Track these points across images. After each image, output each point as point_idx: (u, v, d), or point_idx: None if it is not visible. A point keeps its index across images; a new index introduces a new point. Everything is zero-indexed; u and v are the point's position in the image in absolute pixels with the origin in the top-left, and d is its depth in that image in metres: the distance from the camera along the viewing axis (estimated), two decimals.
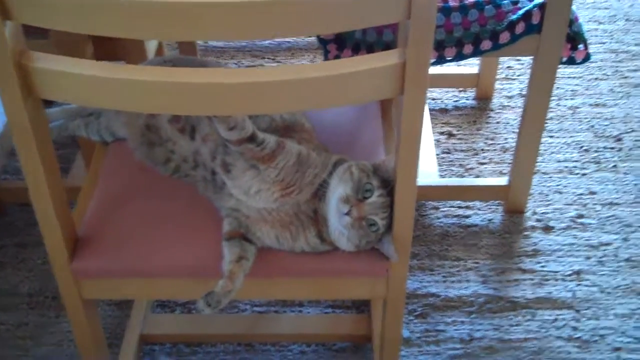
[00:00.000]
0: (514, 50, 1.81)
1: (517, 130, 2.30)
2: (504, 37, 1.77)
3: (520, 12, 1.75)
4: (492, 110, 2.43)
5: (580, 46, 1.84)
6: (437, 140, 2.31)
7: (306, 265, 1.28)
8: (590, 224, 2.07)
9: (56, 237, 1.22)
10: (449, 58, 1.80)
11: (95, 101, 1.06)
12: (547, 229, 2.06)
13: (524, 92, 2.48)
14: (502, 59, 2.52)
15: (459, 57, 1.81)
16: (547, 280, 1.93)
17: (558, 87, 2.48)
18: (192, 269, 1.28)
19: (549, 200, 2.14)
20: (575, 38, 1.83)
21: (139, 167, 1.39)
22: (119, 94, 1.03)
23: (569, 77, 2.55)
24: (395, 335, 1.38)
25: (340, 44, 1.76)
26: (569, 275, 1.94)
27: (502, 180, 2.07)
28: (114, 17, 0.95)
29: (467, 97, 2.47)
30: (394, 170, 1.23)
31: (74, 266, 1.27)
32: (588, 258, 1.98)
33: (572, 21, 1.80)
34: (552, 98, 2.05)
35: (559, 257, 1.99)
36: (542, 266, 1.96)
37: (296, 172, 1.25)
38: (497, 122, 2.38)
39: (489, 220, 2.08)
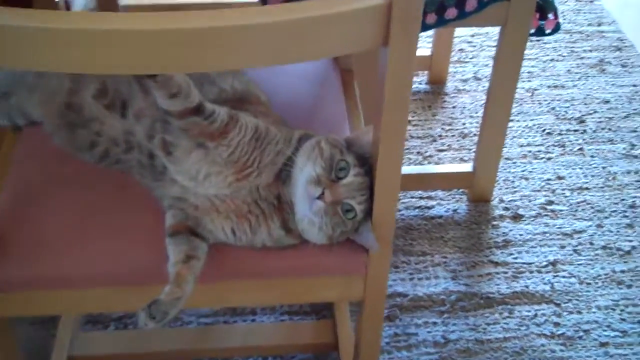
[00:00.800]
0: (480, 20, 1.64)
1: (474, 115, 2.16)
2: (471, 4, 1.59)
3: None
4: (446, 95, 2.26)
5: (550, 15, 1.68)
6: None
7: (268, 264, 1.07)
8: (561, 210, 1.91)
9: None
10: None
11: None
12: (517, 218, 1.89)
13: (478, 75, 2.33)
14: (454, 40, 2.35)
15: (422, 27, 1.62)
16: (522, 272, 1.76)
17: None
18: (129, 275, 1.05)
19: (515, 187, 1.98)
20: (544, 7, 1.67)
21: (59, 154, 1.15)
22: (24, 46, 0.79)
23: (524, 59, 2.39)
24: (374, 342, 1.17)
25: None
26: (545, 266, 1.78)
27: (467, 167, 1.90)
28: None
29: (419, 81, 2.30)
30: (372, 145, 1.03)
31: None
32: (562, 247, 1.82)
33: None
34: None
35: (531, 247, 1.82)
36: (515, 258, 1.79)
37: (253, 150, 1.03)
38: (453, 107, 2.21)
39: (454, 210, 1.91)
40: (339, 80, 1.36)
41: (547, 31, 1.72)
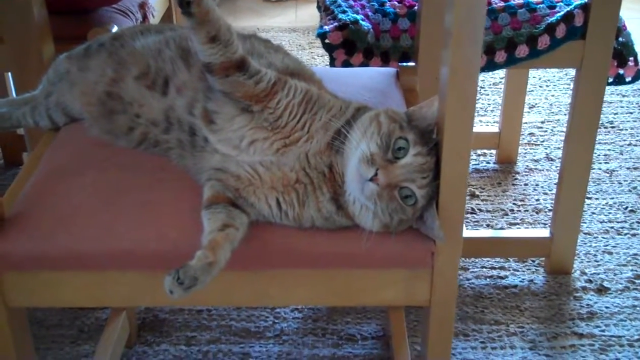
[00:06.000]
0: (554, 60, 1.54)
1: (548, 192, 2.02)
2: (543, 41, 1.50)
3: (560, 13, 1.49)
4: (517, 173, 2.12)
5: (630, 62, 1.57)
6: None
7: (318, 248, 0.92)
8: None
9: None
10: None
11: None
12: (602, 290, 1.69)
13: (551, 157, 2.19)
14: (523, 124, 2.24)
15: (491, 66, 1.53)
16: (611, 345, 1.54)
17: None
18: (157, 256, 0.92)
19: (598, 261, 1.79)
20: (622, 52, 1.56)
21: (95, 142, 1.06)
22: None
23: (599, 143, 2.26)
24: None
25: (349, 49, 1.48)
26: (637, 340, 1.56)
27: (544, 232, 1.73)
28: None
29: (487, 160, 2.18)
30: (437, 117, 0.90)
31: None
32: None
33: (619, 30, 1.53)
34: None
35: (620, 320, 1.61)
36: (602, 330, 1.58)
37: (303, 114, 0.92)
38: (525, 184, 2.07)
39: (530, 280, 1.72)
40: (401, 97, 1.26)
41: (628, 79, 1.60)
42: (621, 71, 1.58)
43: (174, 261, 0.88)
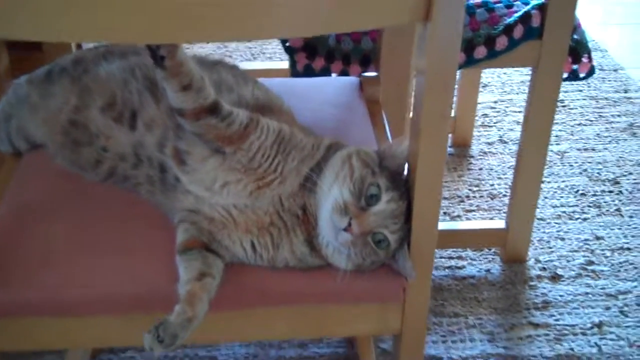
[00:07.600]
0: (511, 60, 1.55)
1: (502, 177, 2.07)
2: (501, 42, 1.51)
3: (518, 14, 1.51)
4: (472, 157, 2.16)
5: (584, 58, 1.60)
6: None
7: (294, 287, 0.93)
8: (602, 271, 1.77)
9: None
10: None
11: None
12: (555, 278, 1.75)
13: (504, 139, 2.23)
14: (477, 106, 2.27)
15: None
16: (565, 335, 1.61)
17: None
18: (134, 300, 0.92)
19: (551, 248, 1.84)
20: (577, 49, 1.59)
21: (61, 173, 1.04)
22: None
23: None
24: None
25: (310, 52, 1.48)
26: (590, 328, 1.62)
27: (500, 224, 1.77)
28: None
29: None
30: (410, 157, 0.91)
31: None
32: (607, 308, 1.67)
33: (574, 28, 1.55)
34: None
35: (574, 308, 1.67)
36: (557, 319, 1.64)
37: (276, 155, 0.92)
38: (480, 169, 2.11)
39: (487, 270, 1.77)
40: (365, 109, 1.26)
41: (581, 75, 1.63)
42: (575, 67, 1.61)
43: (151, 303, 0.89)
